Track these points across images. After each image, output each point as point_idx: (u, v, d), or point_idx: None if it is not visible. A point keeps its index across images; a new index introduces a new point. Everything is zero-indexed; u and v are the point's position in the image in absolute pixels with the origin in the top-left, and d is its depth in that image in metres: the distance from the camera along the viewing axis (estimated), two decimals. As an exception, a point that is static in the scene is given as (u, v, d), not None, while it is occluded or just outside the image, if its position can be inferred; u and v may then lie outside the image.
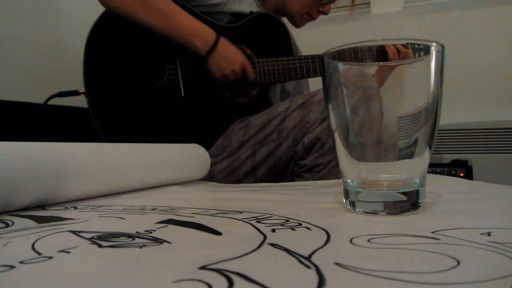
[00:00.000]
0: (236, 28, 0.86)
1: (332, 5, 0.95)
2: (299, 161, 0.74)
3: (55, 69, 1.12)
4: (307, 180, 0.72)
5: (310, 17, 0.96)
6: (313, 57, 0.85)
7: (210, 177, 0.74)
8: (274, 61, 0.84)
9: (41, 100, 0.86)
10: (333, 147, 0.73)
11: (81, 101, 0.86)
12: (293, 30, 1.04)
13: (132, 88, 0.79)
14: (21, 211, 0.34)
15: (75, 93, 0.81)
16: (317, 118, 0.73)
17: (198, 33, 0.77)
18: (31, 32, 1.09)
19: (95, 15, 0.79)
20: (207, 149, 0.78)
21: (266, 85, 0.85)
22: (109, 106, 0.79)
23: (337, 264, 0.16)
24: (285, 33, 0.90)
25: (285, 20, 1.04)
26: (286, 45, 0.90)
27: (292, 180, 0.77)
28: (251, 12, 0.88)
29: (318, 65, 0.84)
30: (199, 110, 0.81)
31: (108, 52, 0.80)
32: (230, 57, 0.79)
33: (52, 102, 0.89)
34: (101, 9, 0.79)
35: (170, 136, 0.79)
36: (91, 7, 0.81)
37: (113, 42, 0.80)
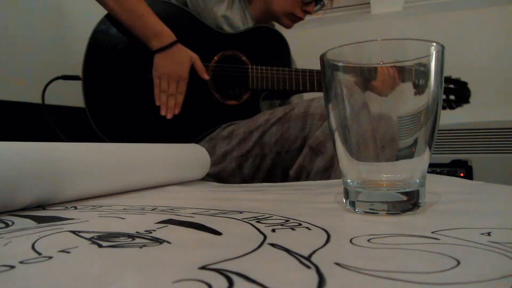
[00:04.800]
0: (236, 35, 0.89)
1: (315, 7, 0.97)
2: None
3: (57, 69, 1.11)
4: None
5: (296, 17, 0.96)
6: (311, 71, 0.86)
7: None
8: (268, 70, 0.86)
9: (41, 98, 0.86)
10: (320, 172, 0.72)
11: (78, 101, 0.86)
12: (293, 35, 1.04)
13: (124, 83, 0.81)
14: (21, 211, 0.34)
15: (77, 78, 0.82)
16: (296, 136, 0.73)
17: (158, 34, 0.79)
18: (33, 29, 1.09)
19: (96, 13, 0.80)
20: None
21: (258, 91, 0.87)
22: (103, 99, 0.81)
23: (337, 264, 0.16)
24: (284, 46, 0.91)
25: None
26: (284, 58, 0.91)
27: None
28: (255, 24, 0.92)
29: (311, 79, 0.86)
30: (186, 108, 0.82)
31: (107, 50, 0.81)
32: (176, 63, 0.79)
33: (53, 101, 0.88)
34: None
35: (157, 131, 0.80)
36: (92, 6, 0.81)
37: (113, 41, 0.82)
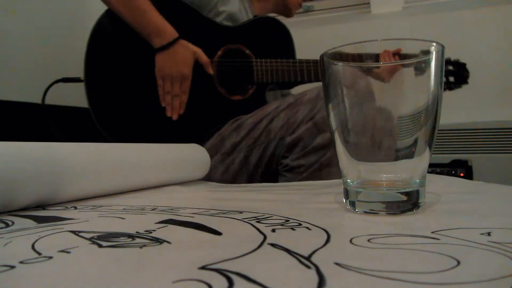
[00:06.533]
0: (238, 28, 0.88)
1: None
2: (282, 159, 0.74)
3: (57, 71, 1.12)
4: (290, 179, 0.72)
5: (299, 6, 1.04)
6: (315, 61, 0.85)
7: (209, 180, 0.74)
8: (273, 62, 0.85)
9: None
10: (316, 149, 0.72)
11: (78, 101, 0.86)
12: (293, 35, 1.05)
13: (128, 81, 0.80)
14: (21, 211, 0.34)
15: (78, 80, 0.82)
16: (304, 118, 0.72)
17: (159, 32, 0.78)
18: (34, 28, 1.09)
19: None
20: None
21: (263, 84, 0.86)
22: (107, 97, 0.80)
23: (337, 264, 0.16)
24: (288, 36, 0.91)
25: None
26: (288, 48, 0.91)
27: (276, 179, 0.76)
28: (255, 16, 0.91)
29: (315, 70, 0.85)
30: (193, 105, 0.81)
31: (109, 47, 0.81)
32: (178, 62, 0.78)
33: (55, 101, 0.88)
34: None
35: (163, 130, 0.80)
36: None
37: (114, 38, 0.81)
